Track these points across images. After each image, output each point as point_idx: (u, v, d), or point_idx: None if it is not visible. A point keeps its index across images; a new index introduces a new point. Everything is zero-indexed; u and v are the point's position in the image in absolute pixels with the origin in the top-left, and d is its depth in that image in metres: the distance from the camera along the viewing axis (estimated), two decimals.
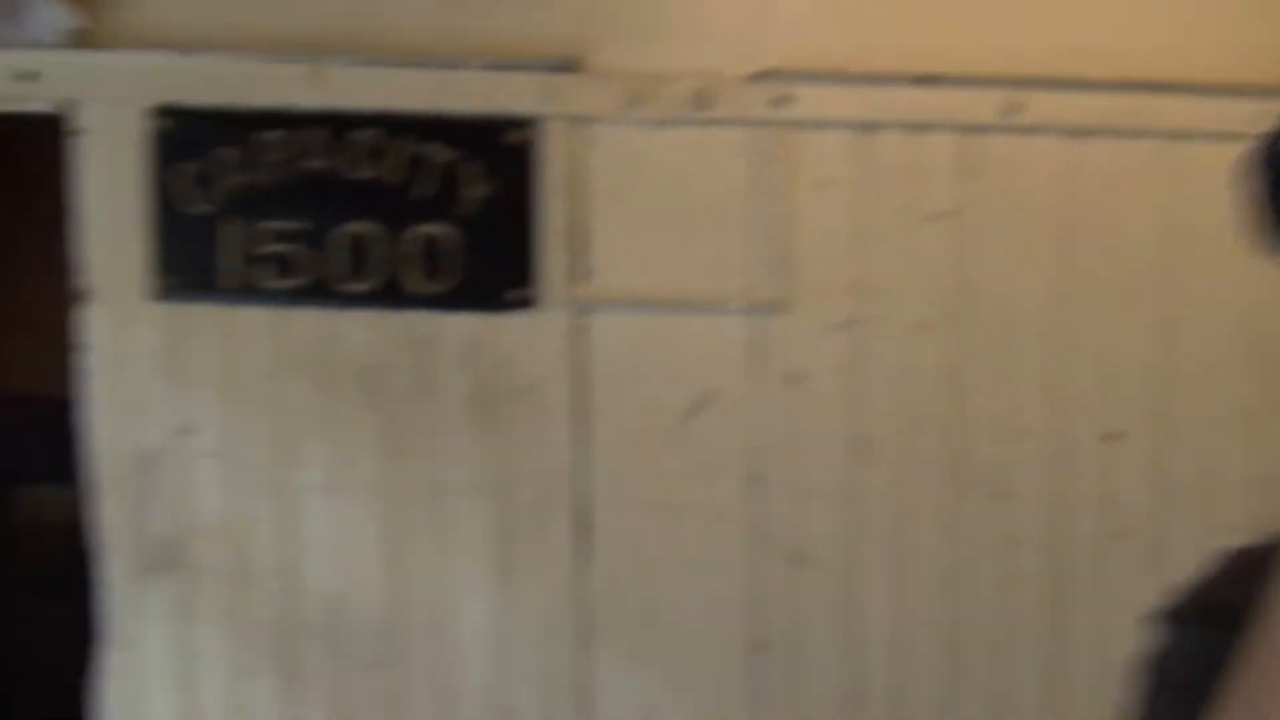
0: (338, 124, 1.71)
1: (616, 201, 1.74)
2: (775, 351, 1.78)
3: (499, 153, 1.70)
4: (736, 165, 1.74)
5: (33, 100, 1.71)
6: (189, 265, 1.73)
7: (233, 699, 1.82)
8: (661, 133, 1.73)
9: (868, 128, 1.76)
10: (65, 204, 2.42)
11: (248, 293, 1.73)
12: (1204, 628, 0.43)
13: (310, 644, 1.81)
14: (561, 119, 1.70)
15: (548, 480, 1.78)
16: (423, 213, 1.71)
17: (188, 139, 1.71)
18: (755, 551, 1.82)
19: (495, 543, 1.80)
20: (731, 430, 1.79)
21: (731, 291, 1.76)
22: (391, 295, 1.73)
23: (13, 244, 2.52)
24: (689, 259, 1.76)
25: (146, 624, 1.81)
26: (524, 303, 1.73)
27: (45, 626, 2.51)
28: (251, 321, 1.75)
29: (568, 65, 1.71)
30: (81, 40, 1.70)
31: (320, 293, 1.73)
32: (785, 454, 1.80)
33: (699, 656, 1.83)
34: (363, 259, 1.73)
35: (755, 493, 1.80)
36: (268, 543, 1.79)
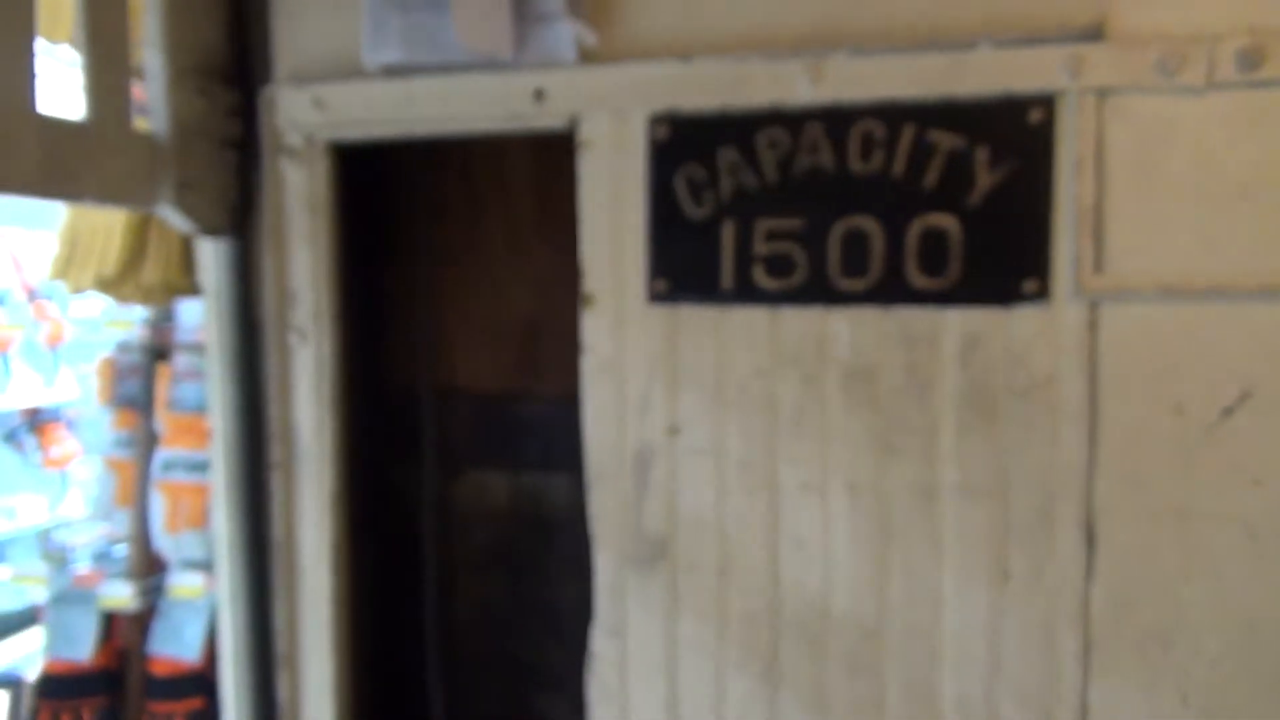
0: (837, 118, 1.67)
1: (1141, 181, 1.58)
2: None
3: (1012, 135, 1.59)
4: None
5: (545, 118, 1.81)
6: (686, 268, 1.76)
7: (712, 691, 1.85)
8: (1199, 100, 1.54)
9: None
10: (507, 219, 2.57)
11: (743, 293, 1.74)
12: None
13: (789, 643, 1.81)
14: (1084, 93, 1.56)
15: (1052, 484, 1.66)
16: (926, 204, 1.64)
17: (687, 144, 1.74)
18: None
19: (989, 549, 1.70)
20: (1277, 432, 1.58)
21: None
22: (889, 291, 1.67)
23: (457, 259, 2.72)
24: (1228, 241, 1.56)
25: (633, 613, 1.88)
26: (1036, 295, 1.61)
27: (482, 602, 2.74)
28: (744, 322, 1.76)
29: (1091, 33, 1.57)
30: (587, 55, 1.78)
31: (815, 291, 1.71)
32: None
33: (1222, 688, 1.64)
34: (860, 255, 1.68)
35: None
36: (751, 540, 1.80)
